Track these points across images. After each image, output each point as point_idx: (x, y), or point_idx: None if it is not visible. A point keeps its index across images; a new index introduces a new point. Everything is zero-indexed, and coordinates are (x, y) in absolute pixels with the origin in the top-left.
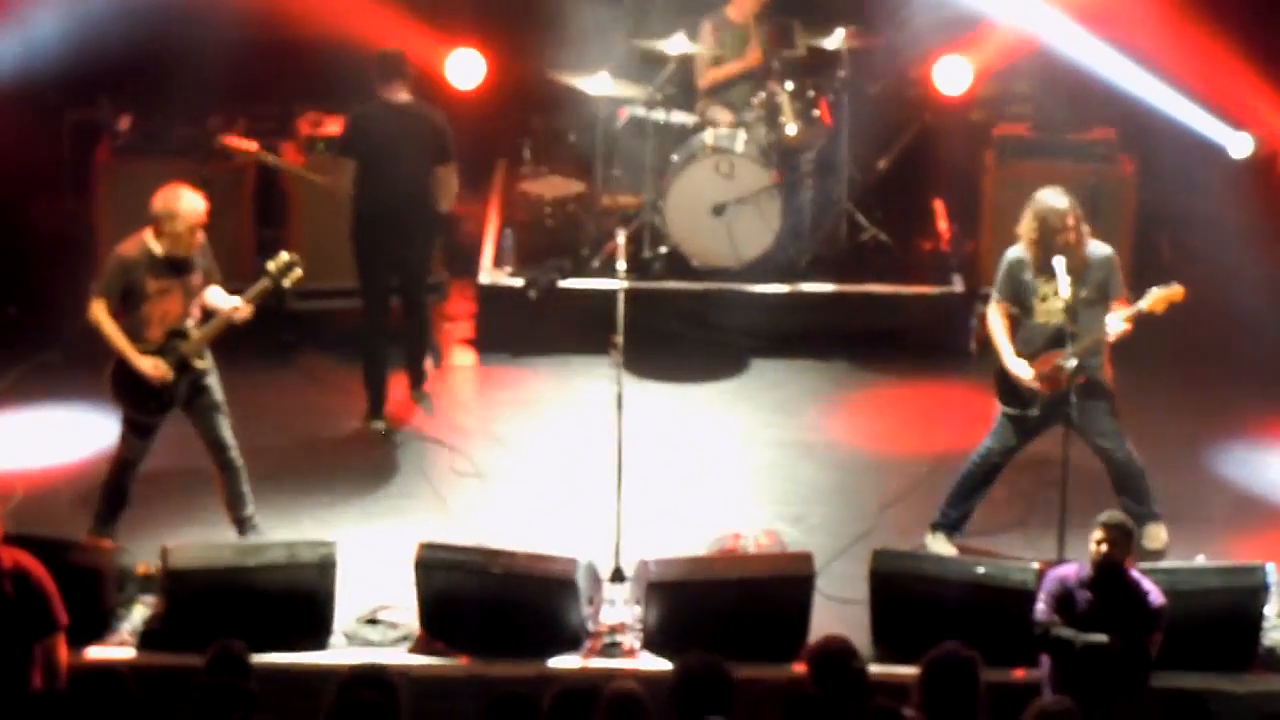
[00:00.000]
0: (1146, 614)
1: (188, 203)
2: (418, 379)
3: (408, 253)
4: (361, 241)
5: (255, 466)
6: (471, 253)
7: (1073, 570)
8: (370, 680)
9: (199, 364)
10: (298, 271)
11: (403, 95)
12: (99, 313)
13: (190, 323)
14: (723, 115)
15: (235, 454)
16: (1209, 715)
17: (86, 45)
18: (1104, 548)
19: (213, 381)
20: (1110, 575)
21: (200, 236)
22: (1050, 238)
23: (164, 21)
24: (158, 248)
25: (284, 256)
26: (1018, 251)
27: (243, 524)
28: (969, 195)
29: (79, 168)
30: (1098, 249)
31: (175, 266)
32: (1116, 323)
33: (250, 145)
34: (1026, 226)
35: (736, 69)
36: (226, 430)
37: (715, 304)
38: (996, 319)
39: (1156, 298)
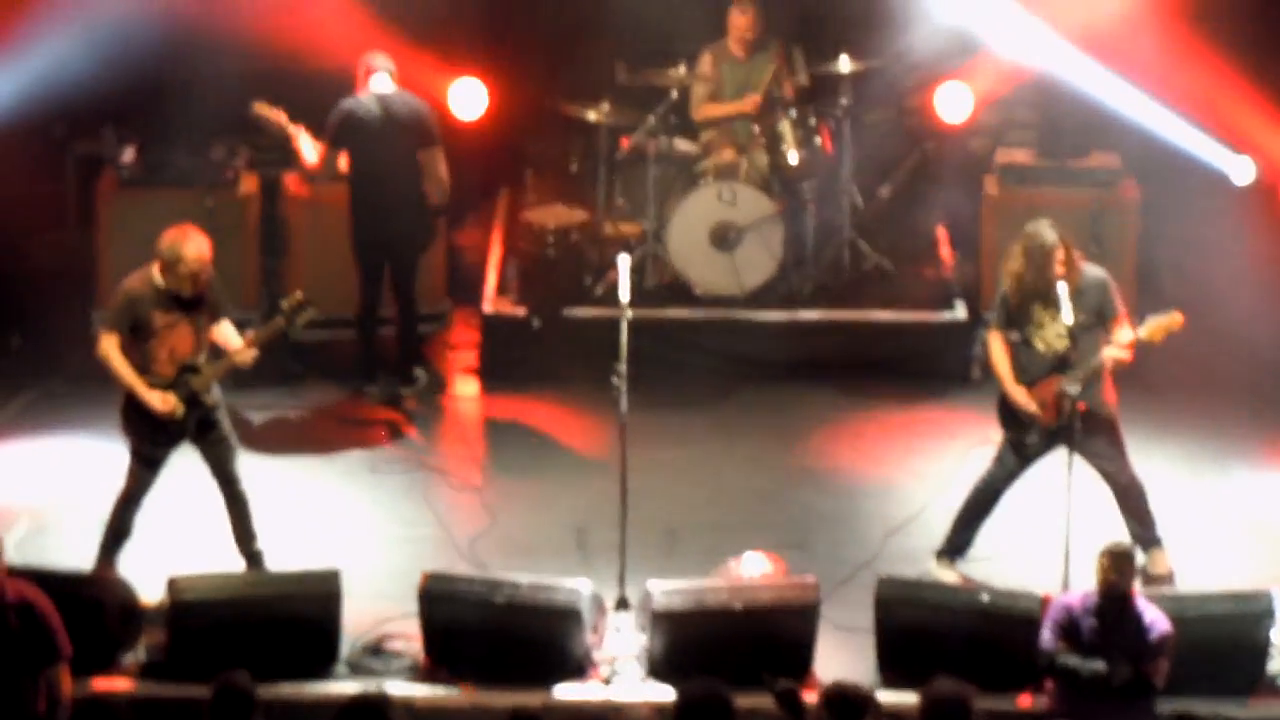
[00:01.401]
0: (1152, 641)
1: (194, 246)
2: (407, 364)
3: (397, 236)
4: (357, 227)
5: (260, 498)
6: (475, 281)
7: (1078, 598)
8: (371, 707)
9: (208, 399)
10: (310, 311)
11: (387, 86)
12: (108, 347)
13: (201, 357)
14: (725, 143)
15: (243, 487)
16: None
17: (90, 78)
18: (1108, 575)
19: (221, 415)
20: (1115, 602)
21: (206, 276)
22: (1039, 272)
23: (167, 53)
24: (163, 283)
25: (297, 295)
26: (1009, 285)
27: (251, 558)
28: (971, 222)
29: (83, 199)
30: (1091, 272)
31: (183, 302)
32: (1114, 351)
33: (280, 114)
34: (1015, 261)
35: (732, 110)
36: (235, 463)
37: (718, 332)
38: (997, 347)
39: (1155, 326)
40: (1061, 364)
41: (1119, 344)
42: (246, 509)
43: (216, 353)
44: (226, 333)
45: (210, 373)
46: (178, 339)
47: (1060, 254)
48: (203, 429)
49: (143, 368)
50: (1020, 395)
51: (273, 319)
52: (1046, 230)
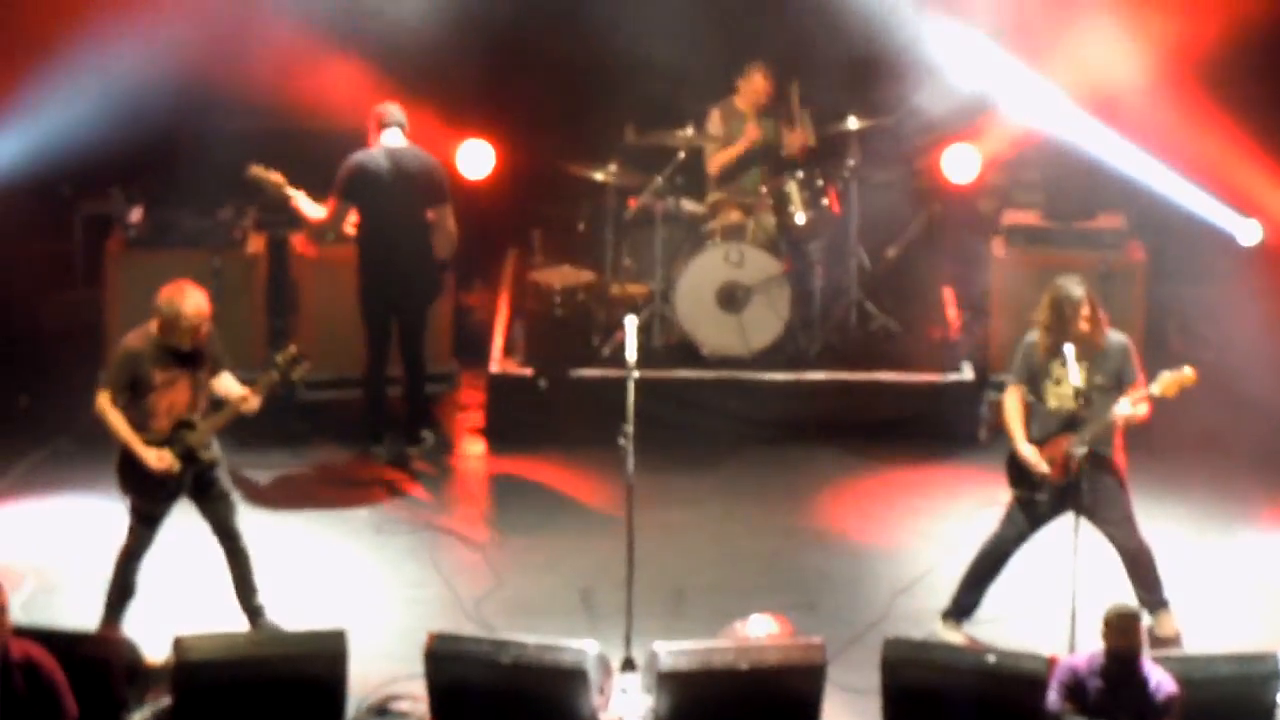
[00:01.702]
0: (1159, 703)
1: (192, 301)
2: (415, 424)
3: (406, 293)
4: (365, 283)
5: (264, 556)
6: (482, 342)
7: (1084, 659)
8: None
9: (206, 455)
10: (306, 365)
11: (398, 140)
12: (104, 404)
13: (198, 414)
14: (732, 204)
15: (244, 543)
16: None
17: (98, 138)
18: (1115, 637)
19: (221, 472)
20: (1122, 664)
21: (206, 329)
22: (1065, 325)
23: (174, 113)
24: (163, 340)
25: (291, 349)
26: (1034, 336)
27: (253, 613)
28: (978, 283)
29: (91, 259)
30: (1115, 337)
31: (182, 357)
32: (1125, 406)
33: (277, 177)
34: (1042, 313)
35: (740, 148)
36: (235, 520)
37: (725, 392)
38: (1012, 403)
39: (1168, 382)
40: (1071, 423)
41: (1133, 399)
42: (248, 564)
43: (216, 406)
44: (228, 384)
45: (206, 428)
46: (176, 395)
47: (1085, 309)
48: (201, 485)
49: (140, 424)
50: (1030, 453)
51: (267, 372)
52: (1074, 284)
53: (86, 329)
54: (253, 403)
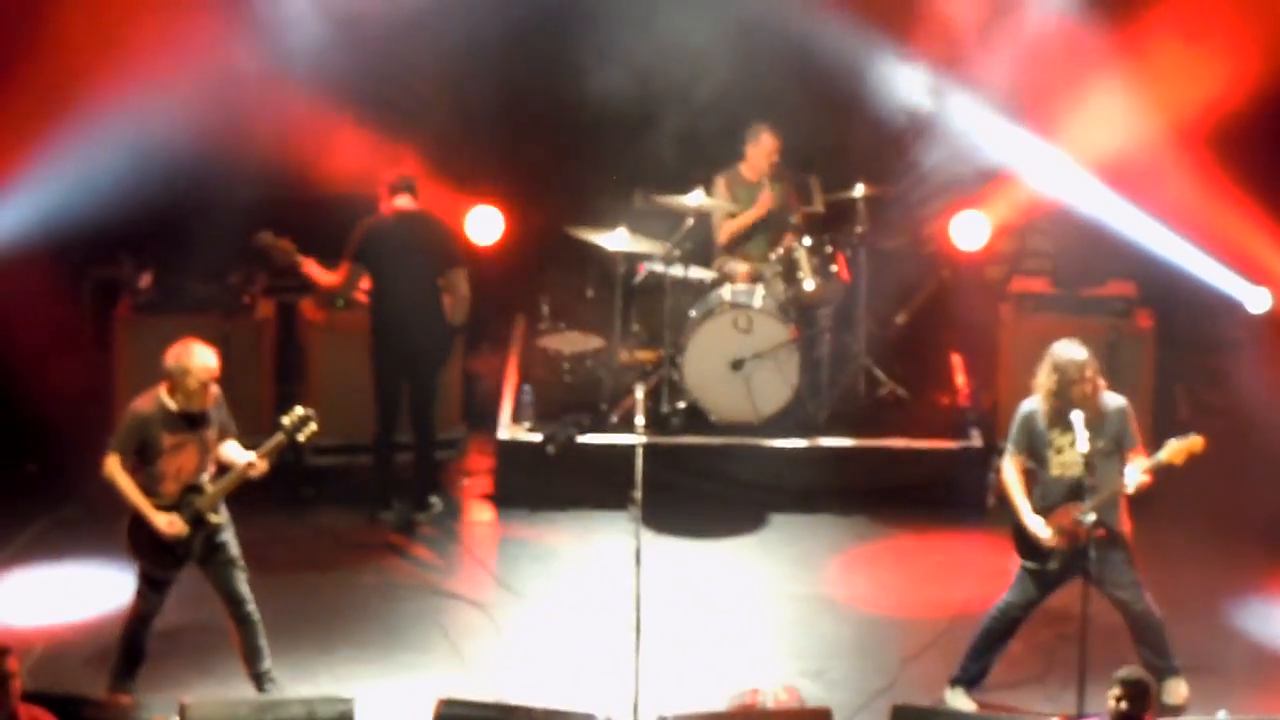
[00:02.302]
0: None
1: (200, 359)
2: (423, 490)
3: (418, 358)
4: (377, 347)
5: (272, 621)
6: (490, 408)
7: None
8: None
9: (214, 519)
10: (312, 426)
11: (410, 204)
12: (113, 468)
13: (205, 477)
14: (740, 270)
15: (252, 608)
16: None
17: (107, 204)
18: (1123, 704)
19: (228, 536)
20: None
21: (214, 391)
22: (1068, 389)
23: (184, 180)
24: (172, 403)
25: (298, 411)
26: (1032, 404)
27: (260, 679)
28: (986, 350)
29: (100, 324)
30: (1112, 400)
31: (190, 421)
32: (1135, 474)
33: (287, 244)
34: (1045, 377)
35: (751, 218)
36: (243, 585)
37: (734, 459)
38: (1011, 473)
39: (1176, 449)
40: (1077, 490)
41: (1140, 468)
42: (256, 629)
43: (223, 471)
44: (233, 452)
45: (215, 491)
46: (185, 459)
47: (1089, 371)
48: (209, 550)
49: (148, 489)
50: (1036, 524)
51: (275, 436)
52: (1075, 347)
53: (95, 394)
54: (260, 467)
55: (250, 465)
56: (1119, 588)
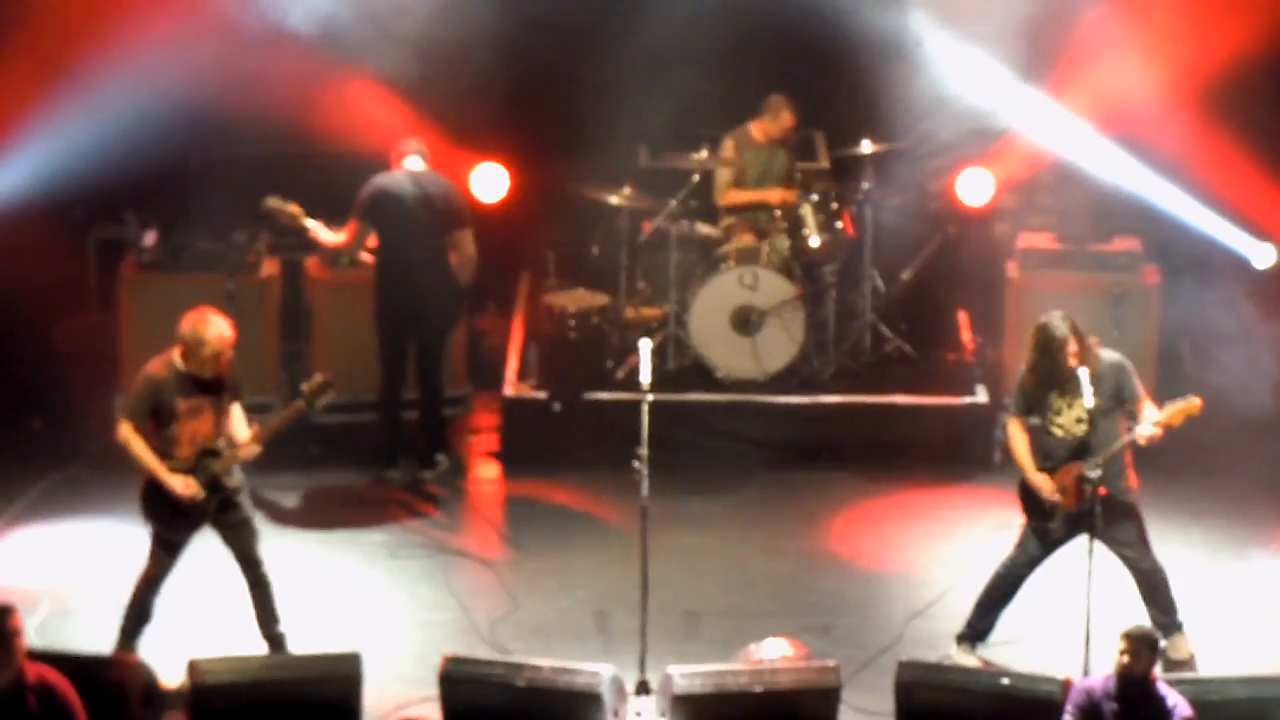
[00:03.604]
0: None
1: (216, 329)
2: (430, 448)
3: (424, 316)
4: (382, 306)
5: (279, 579)
6: (496, 366)
7: (1099, 682)
8: None
9: (230, 482)
10: (331, 393)
11: (418, 164)
12: (127, 432)
13: (222, 440)
14: (746, 227)
15: (266, 570)
16: None
17: (111, 163)
18: (1129, 659)
19: (244, 498)
20: (1136, 687)
21: (228, 357)
22: (1053, 364)
23: (188, 137)
24: (185, 367)
25: (318, 378)
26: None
27: (274, 641)
28: (992, 306)
29: (105, 284)
30: (1108, 356)
31: (204, 385)
32: (1146, 428)
33: (295, 208)
34: (1028, 353)
35: (758, 198)
36: (257, 547)
37: (739, 416)
38: (1016, 433)
39: (1173, 411)
40: (1081, 449)
41: (1150, 421)
42: (269, 592)
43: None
44: (236, 420)
45: (230, 456)
46: (200, 423)
47: (1072, 346)
48: (224, 512)
49: (164, 452)
50: (1042, 482)
51: (293, 402)
52: (1058, 322)
53: (100, 353)
54: (254, 450)
55: (250, 446)
56: (1124, 544)
